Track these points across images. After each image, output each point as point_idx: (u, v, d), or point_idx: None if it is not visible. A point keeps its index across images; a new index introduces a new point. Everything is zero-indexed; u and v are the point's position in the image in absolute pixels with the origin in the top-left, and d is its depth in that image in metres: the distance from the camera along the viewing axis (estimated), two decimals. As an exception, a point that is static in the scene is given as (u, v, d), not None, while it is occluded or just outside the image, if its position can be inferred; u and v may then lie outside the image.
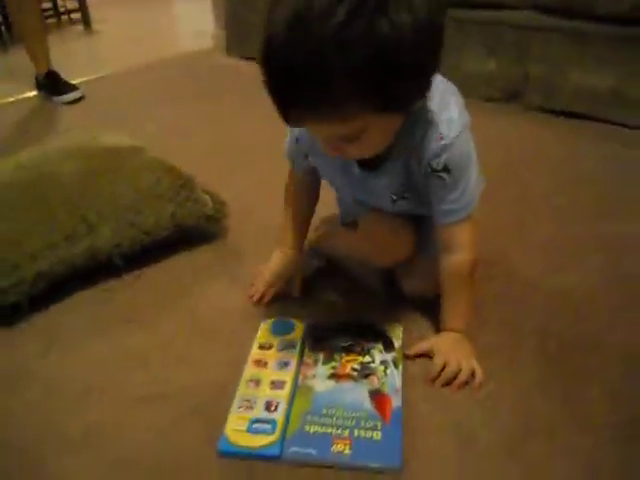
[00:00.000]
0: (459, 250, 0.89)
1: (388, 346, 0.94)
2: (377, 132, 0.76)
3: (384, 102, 0.70)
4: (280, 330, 0.98)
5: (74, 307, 1.08)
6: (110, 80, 2.40)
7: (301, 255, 1.09)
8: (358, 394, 0.86)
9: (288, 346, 0.95)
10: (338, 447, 0.78)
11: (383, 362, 0.91)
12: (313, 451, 0.78)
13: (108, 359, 0.97)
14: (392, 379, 0.88)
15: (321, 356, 0.93)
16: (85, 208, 1.11)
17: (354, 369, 0.90)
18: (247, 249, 1.24)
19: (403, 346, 0.94)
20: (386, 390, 0.86)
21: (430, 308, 0.99)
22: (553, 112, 1.88)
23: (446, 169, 0.83)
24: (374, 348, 0.94)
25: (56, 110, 2.11)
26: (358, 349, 0.94)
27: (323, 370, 0.90)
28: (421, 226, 0.99)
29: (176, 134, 1.81)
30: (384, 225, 0.98)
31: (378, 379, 0.88)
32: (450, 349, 0.90)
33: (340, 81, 0.65)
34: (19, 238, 1.06)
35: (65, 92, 2.17)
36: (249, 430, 0.80)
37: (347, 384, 0.87)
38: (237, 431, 0.80)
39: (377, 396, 0.85)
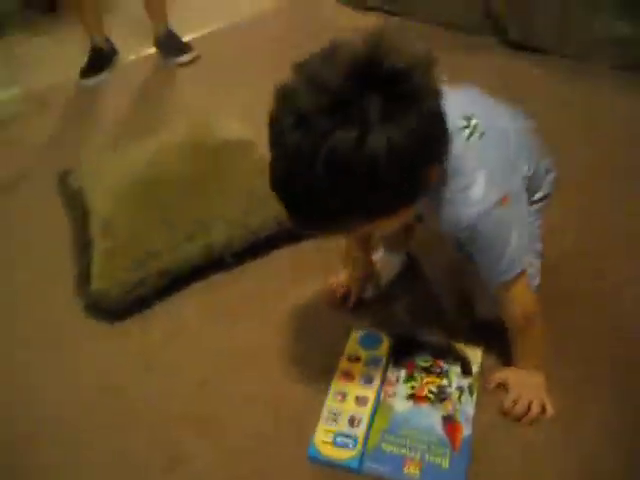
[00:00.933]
0: (509, 305, 0.92)
1: (466, 370, 1.02)
2: (387, 225, 0.84)
3: (375, 216, 0.78)
4: (368, 343, 1.08)
5: (189, 299, 1.24)
6: (219, 36, 2.41)
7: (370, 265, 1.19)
8: (432, 418, 0.95)
9: (374, 361, 1.05)
10: (409, 469, 0.89)
11: (459, 387, 0.99)
12: (387, 469, 0.90)
13: (219, 352, 1.13)
14: (465, 407, 0.96)
15: (403, 373, 1.02)
16: (201, 211, 1.25)
17: (431, 391, 0.99)
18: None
19: (481, 372, 1.01)
20: (458, 417, 0.95)
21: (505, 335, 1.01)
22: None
23: (470, 243, 0.88)
24: (452, 371, 1.02)
25: (172, 72, 2.22)
26: (437, 370, 1.02)
27: (403, 389, 1.00)
28: None
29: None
30: None
31: (452, 405, 0.97)
32: (521, 384, 0.96)
33: (329, 212, 0.74)
34: (143, 237, 1.22)
35: (182, 52, 2.25)
36: (334, 443, 0.93)
37: (424, 406, 0.97)
38: (324, 442, 0.94)
39: (450, 423, 0.94)
